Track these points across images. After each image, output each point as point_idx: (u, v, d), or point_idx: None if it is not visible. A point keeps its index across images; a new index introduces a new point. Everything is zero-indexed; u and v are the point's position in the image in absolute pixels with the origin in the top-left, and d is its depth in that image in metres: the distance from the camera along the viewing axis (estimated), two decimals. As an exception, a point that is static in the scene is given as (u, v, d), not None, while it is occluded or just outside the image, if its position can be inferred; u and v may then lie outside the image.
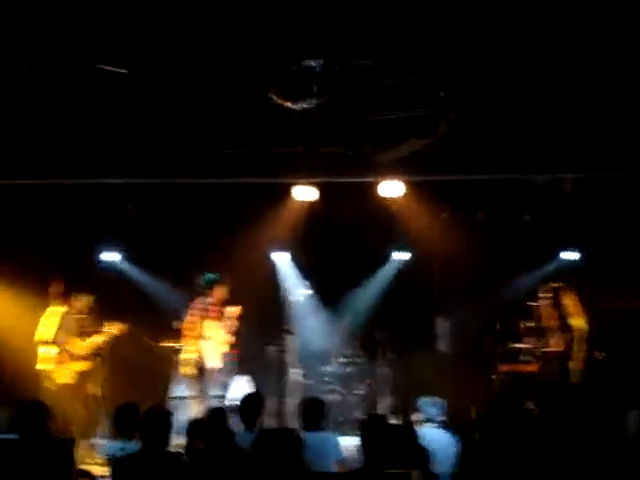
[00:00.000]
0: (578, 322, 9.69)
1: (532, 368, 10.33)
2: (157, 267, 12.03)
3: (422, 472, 5.68)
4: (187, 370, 10.40)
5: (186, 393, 10.83)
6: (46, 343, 9.88)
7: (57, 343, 9.89)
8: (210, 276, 10.74)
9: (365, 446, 5.70)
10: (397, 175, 9.71)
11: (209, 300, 10.58)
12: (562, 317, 9.92)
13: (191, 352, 10.33)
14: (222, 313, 10.58)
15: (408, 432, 6.29)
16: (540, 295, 10.34)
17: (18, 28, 6.79)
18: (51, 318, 10.01)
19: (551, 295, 10.12)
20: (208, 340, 10.37)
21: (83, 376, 10.04)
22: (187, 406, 10.62)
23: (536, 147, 9.17)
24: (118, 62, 7.63)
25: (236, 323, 10.60)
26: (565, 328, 9.87)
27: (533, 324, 10.38)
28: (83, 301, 10.20)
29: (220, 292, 10.64)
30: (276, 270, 12.54)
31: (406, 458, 5.81)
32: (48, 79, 7.46)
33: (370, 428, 5.84)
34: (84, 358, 10.07)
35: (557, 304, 10.04)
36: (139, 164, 9.45)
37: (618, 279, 10.93)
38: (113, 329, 10.36)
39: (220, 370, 10.58)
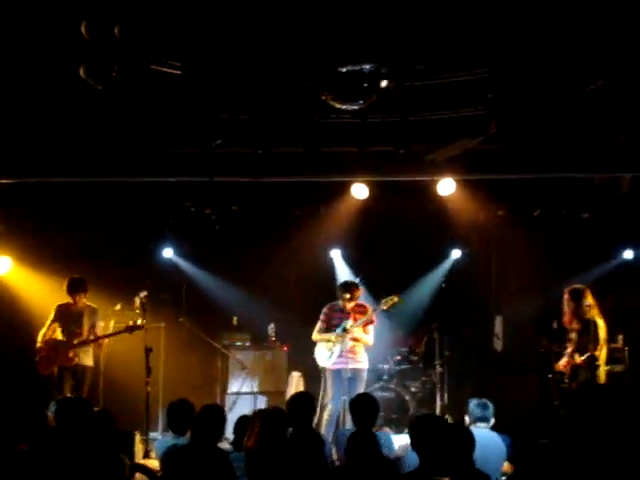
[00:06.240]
0: (601, 321, 9.37)
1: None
2: (215, 264, 12.11)
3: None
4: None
5: (243, 389, 10.98)
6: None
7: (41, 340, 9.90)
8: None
9: (415, 446, 5.71)
10: (450, 174, 9.71)
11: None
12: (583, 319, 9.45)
13: None
14: None
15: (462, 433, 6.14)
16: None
17: (74, 30, 6.95)
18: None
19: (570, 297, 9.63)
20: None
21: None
22: (244, 402, 10.80)
23: (593, 145, 9.09)
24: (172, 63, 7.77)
25: None
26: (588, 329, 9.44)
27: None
28: (138, 297, 10.25)
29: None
30: (334, 267, 12.58)
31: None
32: (105, 80, 7.59)
33: (419, 428, 5.82)
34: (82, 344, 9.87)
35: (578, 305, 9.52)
36: (198, 162, 9.58)
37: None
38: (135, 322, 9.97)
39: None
